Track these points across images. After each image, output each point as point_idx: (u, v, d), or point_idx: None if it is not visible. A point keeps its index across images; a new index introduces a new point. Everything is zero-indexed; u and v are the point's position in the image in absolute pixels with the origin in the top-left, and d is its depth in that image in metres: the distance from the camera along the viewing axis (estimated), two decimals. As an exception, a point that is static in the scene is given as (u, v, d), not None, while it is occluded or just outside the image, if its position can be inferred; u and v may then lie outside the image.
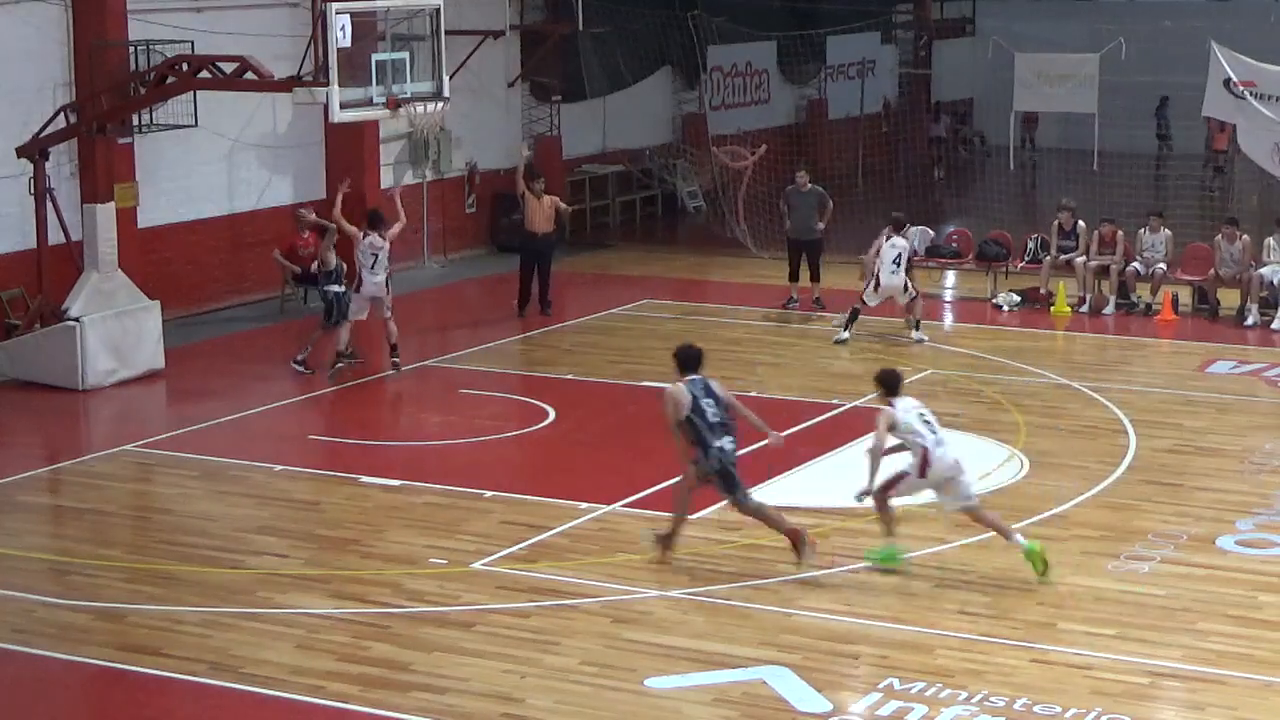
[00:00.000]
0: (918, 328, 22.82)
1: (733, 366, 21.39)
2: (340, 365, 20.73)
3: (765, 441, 14.52)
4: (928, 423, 14.07)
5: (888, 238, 22.78)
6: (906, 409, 14.11)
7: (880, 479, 14.08)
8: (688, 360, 14.14)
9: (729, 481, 14.00)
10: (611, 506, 15.99)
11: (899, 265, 22.56)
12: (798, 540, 13.90)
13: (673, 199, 34.20)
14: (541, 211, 24.47)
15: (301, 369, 21.04)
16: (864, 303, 22.85)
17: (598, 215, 32.40)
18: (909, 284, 22.81)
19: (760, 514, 14.15)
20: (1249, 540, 15.03)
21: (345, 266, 21.27)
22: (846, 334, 22.75)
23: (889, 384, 14.29)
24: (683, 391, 13.92)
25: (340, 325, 20.97)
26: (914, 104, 41.38)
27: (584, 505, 15.99)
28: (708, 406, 13.87)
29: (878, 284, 22.64)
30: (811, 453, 17.71)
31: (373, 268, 20.77)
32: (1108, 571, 14.27)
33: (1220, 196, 34.97)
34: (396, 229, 21.14)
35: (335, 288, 21.12)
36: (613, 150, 33.20)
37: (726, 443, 13.90)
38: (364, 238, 20.81)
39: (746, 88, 36.71)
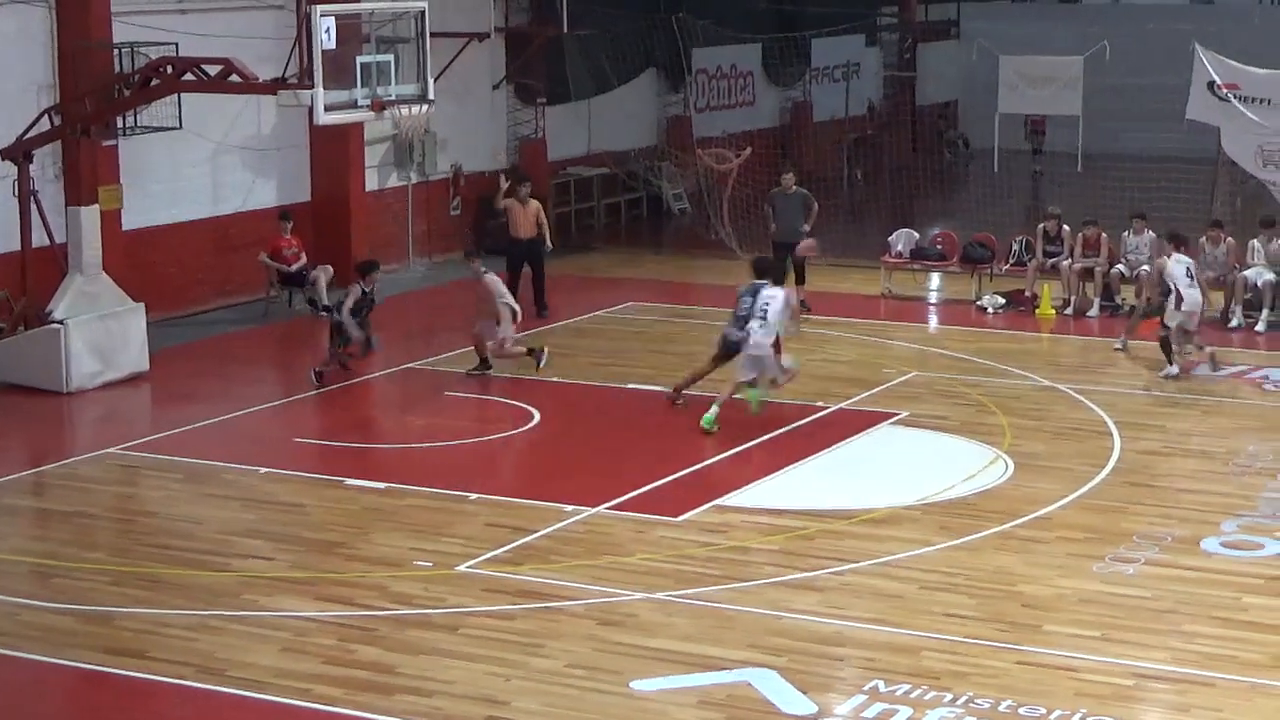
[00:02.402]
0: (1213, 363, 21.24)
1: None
2: (331, 367, 20.58)
3: None
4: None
5: (1169, 255, 21.54)
6: None
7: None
8: (762, 269, 19.44)
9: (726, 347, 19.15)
10: (596, 509, 15.98)
11: (1193, 279, 21.19)
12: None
13: (658, 201, 34.16)
14: (526, 217, 24.47)
15: (316, 381, 20.74)
16: (1166, 327, 21.03)
17: (583, 218, 32.38)
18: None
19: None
20: (1233, 542, 15.05)
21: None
22: (1175, 368, 20.92)
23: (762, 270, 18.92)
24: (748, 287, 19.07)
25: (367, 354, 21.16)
26: (899, 106, 41.45)
27: (569, 508, 15.97)
28: (744, 302, 18.89)
29: (1179, 300, 20.94)
30: (799, 455, 17.73)
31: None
32: (1093, 573, 14.29)
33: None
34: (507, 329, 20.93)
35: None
36: (598, 153, 33.17)
37: (733, 332, 18.92)
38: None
39: (731, 90, 36.67)
